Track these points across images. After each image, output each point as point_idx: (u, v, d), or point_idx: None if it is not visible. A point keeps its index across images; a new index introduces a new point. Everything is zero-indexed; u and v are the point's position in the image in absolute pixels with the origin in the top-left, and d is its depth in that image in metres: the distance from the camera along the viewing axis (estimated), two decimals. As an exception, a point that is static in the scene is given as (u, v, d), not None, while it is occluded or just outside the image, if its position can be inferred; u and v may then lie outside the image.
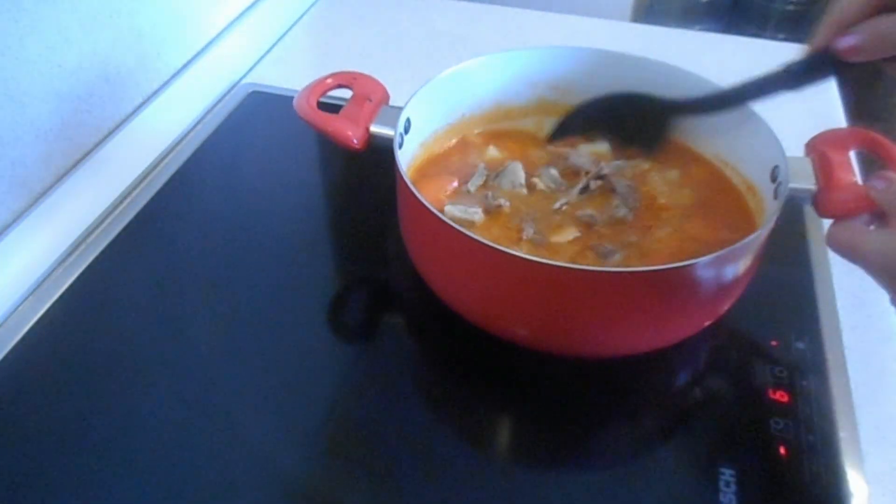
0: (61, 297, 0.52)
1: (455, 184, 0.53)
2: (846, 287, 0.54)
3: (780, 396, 0.46)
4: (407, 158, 0.51)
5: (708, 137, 0.55)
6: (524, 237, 0.48)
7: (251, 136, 0.69)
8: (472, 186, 0.52)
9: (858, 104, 0.85)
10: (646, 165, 0.54)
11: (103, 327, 0.51)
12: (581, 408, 0.47)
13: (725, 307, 0.46)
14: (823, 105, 0.74)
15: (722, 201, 0.52)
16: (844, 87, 0.76)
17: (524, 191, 0.52)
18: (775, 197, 0.46)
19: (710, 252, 0.40)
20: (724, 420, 0.46)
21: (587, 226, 0.49)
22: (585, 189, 0.52)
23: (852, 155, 0.48)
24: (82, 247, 0.57)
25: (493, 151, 0.56)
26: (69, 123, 0.57)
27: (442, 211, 0.48)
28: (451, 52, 0.82)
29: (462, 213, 0.49)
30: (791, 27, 1.58)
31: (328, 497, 0.42)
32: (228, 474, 0.42)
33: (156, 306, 0.52)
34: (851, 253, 0.40)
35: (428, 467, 0.43)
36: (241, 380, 0.48)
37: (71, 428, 0.44)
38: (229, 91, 0.75)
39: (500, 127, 0.58)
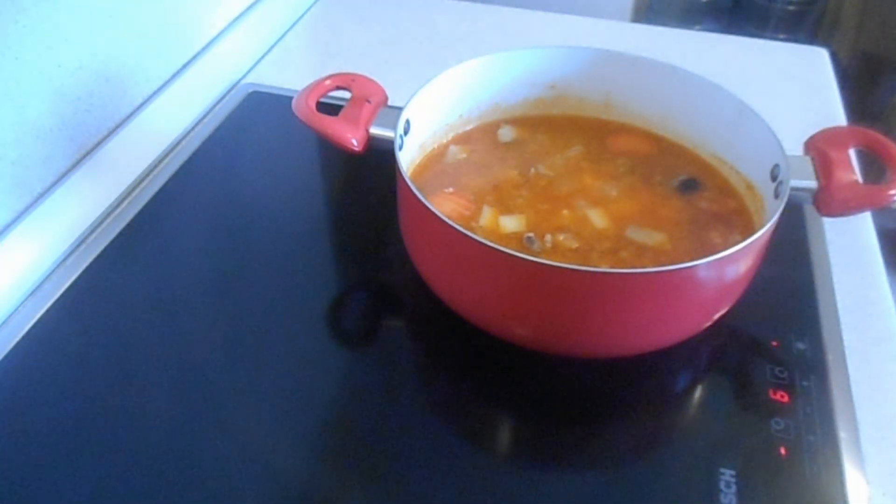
0: (61, 297, 0.52)
1: (451, 189, 0.53)
2: (846, 287, 0.54)
3: (780, 396, 0.46)
4: (407, 160, 0.51)
5: (706, 136, 0.55)
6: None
7: (251, 136, 0.69)
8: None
9: (858, 104, 0.85)
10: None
11: (103, 327, 0.51)
12: (581, 408, 0.47)
13: (726, 308, 0.46)
14: (823, 104, 0.74)
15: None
16: (844, 86, 0.77)
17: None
18: (776, 196, 0.46)
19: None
20: (724, 420, 0.45)
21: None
22: None
23: (852, 153, 0.48)
24: (82, 247, 0.57)
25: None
26: (69, 123, 0.57)
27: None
28: (451, 52, 0.82)
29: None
30: (791, 27, 1.58)
31: (329, 499, 0.42)
32: (228, 477, 0.42)
33: (156, 307, 0.52)
34: None
35: (428, 468, 0.43)
36: (241, 382, 0.47)
37: (71, 427, 0.44)
38: (229, 91, 0.75)
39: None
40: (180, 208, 0.61)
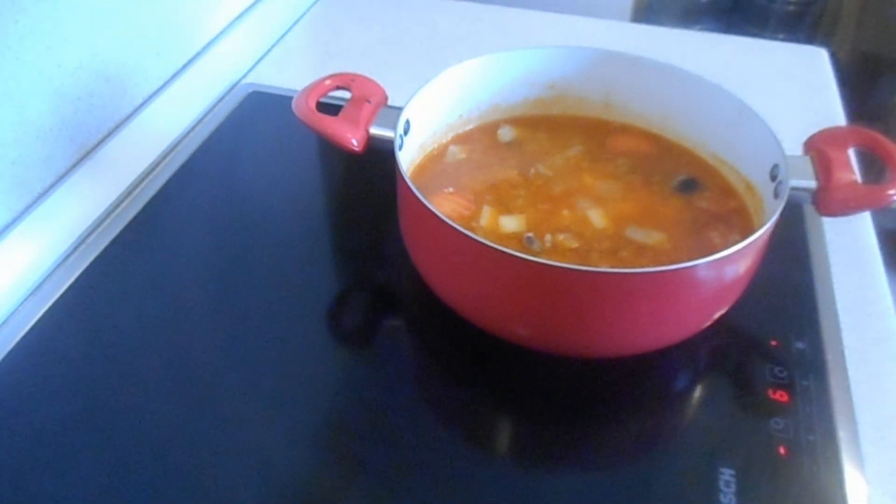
0: (61, 297, 0.52)
1: (451, 189, 0.53)
2: (846, 287, 0.54)
3: (780, 396, 0.46)
4: (407, 160, 0.51)
5: (706, 136, 0.55)
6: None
7: (251, 136, 0.69)
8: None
9: (858, 104, 0.85)
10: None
11: (103, 327, 0.51)
12: (581, 408, 0.47)
13: (726, 308, 0.46)
14: (822, 104, 0.74)
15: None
16: (844, 86, 0.77)
17: None
18: (775, 196, 0.46)
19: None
20: (724, 420, 0.45)
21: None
22: None
23: (851, 153, 0.48)
24: (82, 247, 0.57)
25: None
26: (69, 123, 0.57)
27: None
28: (451, 52, 0.82)
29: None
30: (791, 27, 1.58)
31: (328, 499, 0.42)
32: (228, 476, 0.42)
33: (156, 306, 0.52)
34: None
35: (428, 468, 0.43)
36: (241, 381, 0.47)
37: (71, 427, 0.44)
38: (229, 91, 0.75)
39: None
40: (180, 208, 0.61)
